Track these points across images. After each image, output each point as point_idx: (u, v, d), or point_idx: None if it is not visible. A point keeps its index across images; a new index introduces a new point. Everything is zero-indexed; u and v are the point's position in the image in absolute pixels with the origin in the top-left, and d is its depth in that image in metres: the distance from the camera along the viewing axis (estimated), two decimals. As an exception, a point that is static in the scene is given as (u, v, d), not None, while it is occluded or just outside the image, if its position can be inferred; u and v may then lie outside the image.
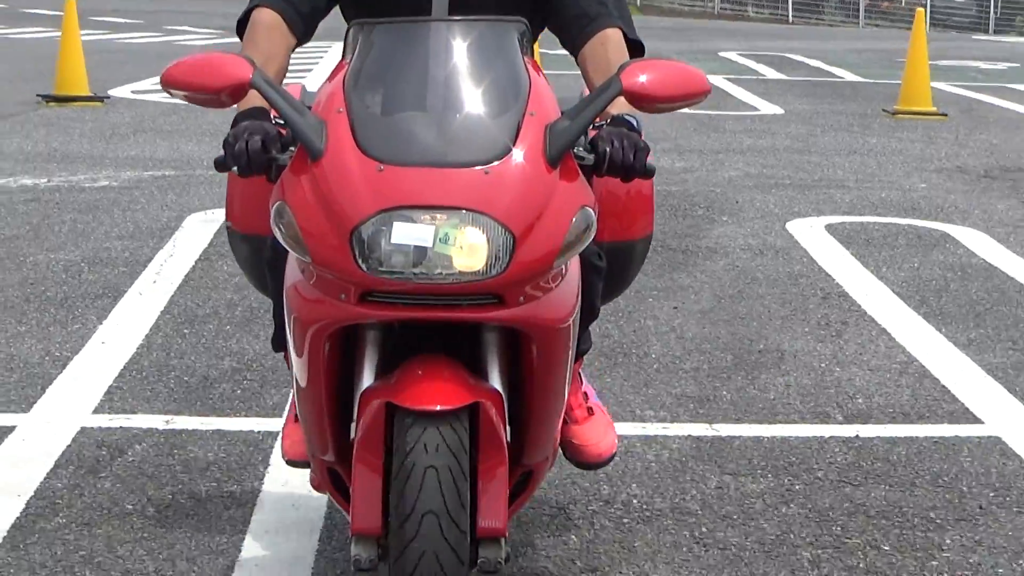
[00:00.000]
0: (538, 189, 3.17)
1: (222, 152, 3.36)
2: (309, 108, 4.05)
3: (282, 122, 3.70)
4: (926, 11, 23.78)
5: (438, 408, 2.95)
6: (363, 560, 2.95)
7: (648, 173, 3.48)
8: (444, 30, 3.55)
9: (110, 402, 7.59)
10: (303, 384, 3.42)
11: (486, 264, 3.05)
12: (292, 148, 3.55)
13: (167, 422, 7.26)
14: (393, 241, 3.03)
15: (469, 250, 3.00)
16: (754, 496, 6.42)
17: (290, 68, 4.29)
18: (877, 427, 7.44)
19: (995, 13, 51.98)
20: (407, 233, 3.01)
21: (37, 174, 14.16)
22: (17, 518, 5.92)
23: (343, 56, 3.69)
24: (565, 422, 4.15)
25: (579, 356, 4.60)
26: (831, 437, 7.28)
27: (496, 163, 3.16)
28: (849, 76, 29.02)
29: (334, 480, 3.48)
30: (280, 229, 3.22)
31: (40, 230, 11.77)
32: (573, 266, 3.76)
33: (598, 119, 3.60)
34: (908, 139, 18.41)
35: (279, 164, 3.33)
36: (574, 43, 3.96)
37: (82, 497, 6.20)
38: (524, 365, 3.29)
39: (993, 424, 7.53)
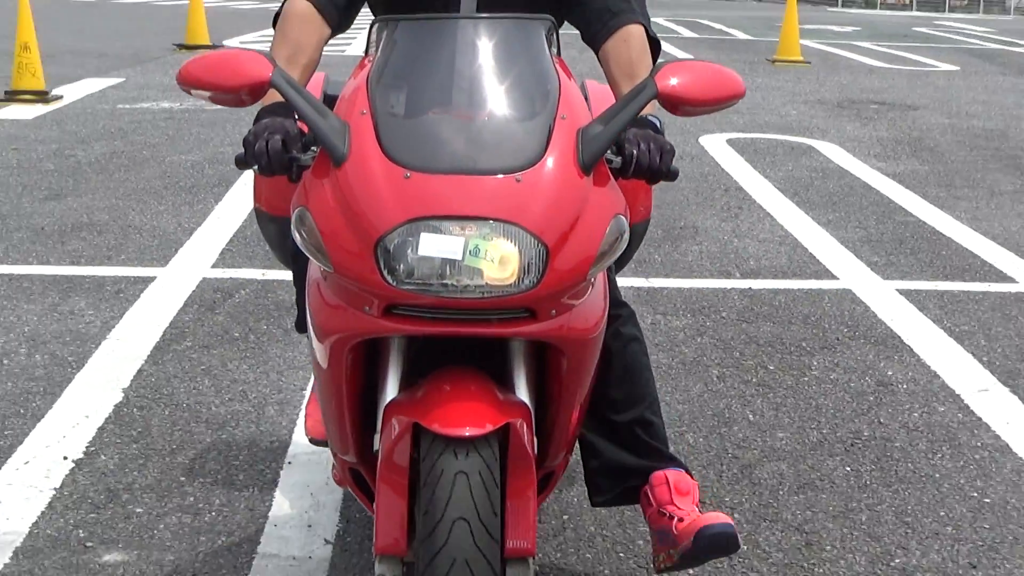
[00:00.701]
0: (571, 198, 2.40)
1: (242, 149, 2.60)
2: (335, 100, 3.24)
3: None
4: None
5: (467, 433, 2.32)
6: None
7: (673, 176, 2.74)
8: (470, 28, 2.70)
9: (223, 260, 7.50)
10: (323, 388, 2.75)
11: (518, 277, 2.32)
12: (315, 148, 2.71)
13: (263, 274, 7.13)
14: (421, 253, 2.31)
15: (500, 263, 2.30)
16: (677, 330, 6.33)
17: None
18: (764, 281, 7.32)
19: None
20: (435, 245, 2.30)
21: (172, 100, 13.85)
22: (157, 342, 5.90)
23: (366, 53, 2.91)
24: (681, 519, 3.25)
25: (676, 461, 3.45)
26: (732, 288, 7.17)
27: (528, 170, 2.39)
28: (741, 35, 28.67)
29: (356, 478, 2.85)
30: (301, 235, 2.49)
31: (175, 139, 11.54)
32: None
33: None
34: (784, 80, 18.16)
35: (300, 164, 2.60)
36: (595, 37, 3.13)
37: (203, 327, 6.15)
38: (551, 375, 2.63)
39: (845, 280, 7.41)
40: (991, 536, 4.29)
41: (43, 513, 4.22)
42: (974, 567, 4.06)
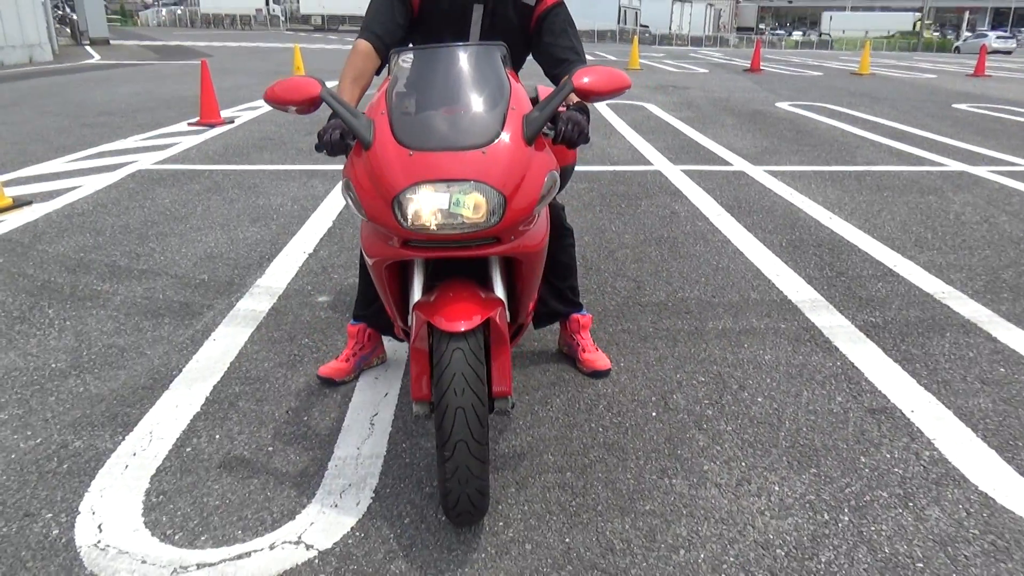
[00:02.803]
0: (520, 161, 1.92)
1: (318, 139, 2.09)
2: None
3: None
4: (638, 37, 22.46)
5: (462, 328, 1.88)
6: (420, 415, 2.00)
7: (585, 143, 2.14)
8: (452, 53, 2.15)
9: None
10: (377, 286, 2.20)
11: (486, 217, 1.88)
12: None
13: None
14: (421, 205, 1.86)
15: (475, 208, 1.86)
16: (583, 190, 5.80)
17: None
18: (620, 166, 6.80)
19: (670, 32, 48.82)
20: (430, 199, 1.85)
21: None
22: (335, 202, 5.38)
23: (388, 73, 2.28)
24: (584, 350, 2.95)
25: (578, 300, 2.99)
26: (607, 170, 6.66)
27: (489, 145, 1.92)
28: (611, 57, 27.41)
29: (405, 333, 2.30)
30: (347, 196, 2.01)
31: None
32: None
33: (565, 104, 2.24)
34: (631, 75, 17.34)
35: (351, 148, 2.07)
36: (554, 73, 2.52)
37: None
38: (517, 274, 2.15)
39: (657, 165, 6.89)
40: (721, 281, 3.93)
41: (292, 279, 3.89)
42: (714, 296, 3.72)
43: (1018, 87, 16.52)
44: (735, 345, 3.21)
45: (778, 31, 56.57)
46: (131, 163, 6.60)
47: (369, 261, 2.10)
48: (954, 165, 7.17)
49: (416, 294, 2.07)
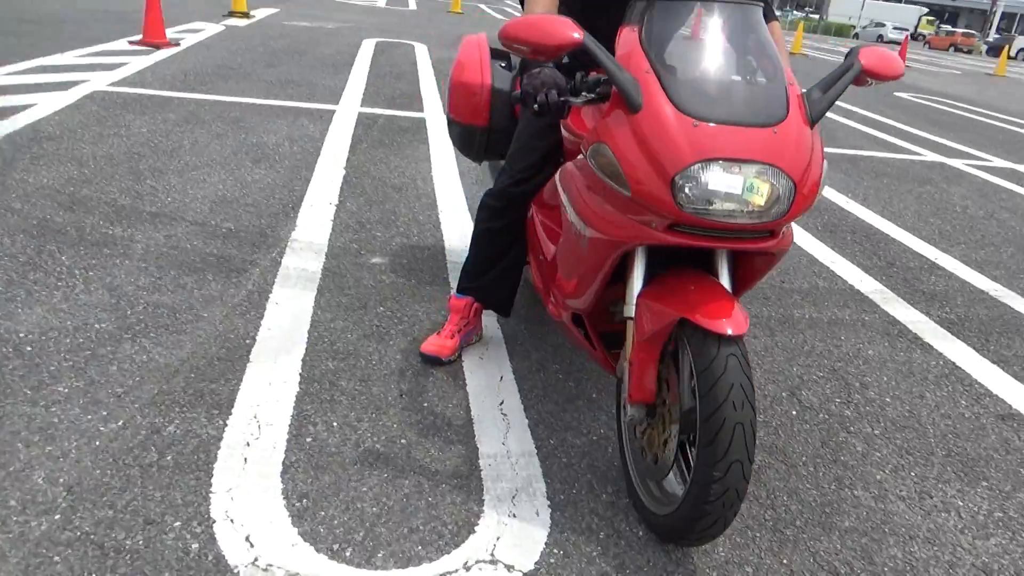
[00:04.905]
0: (807, 145, 1.63)
1: (525, 98, 1.77)
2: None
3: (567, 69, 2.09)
4: None
5: (730, 332, 1.57)
6: (636, 419, 1.77)
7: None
8: (716, 10, 1.76)
9: (365, 102, 6.34)
10: (588, 264, 1.86)
11: (775, 207, 1.58)
12: (585, 94, 1.77)
13: (389, 111, 6.06)
14: (710, 188, 1.55)
15: (765, 195, 1.56)
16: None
17: None
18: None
19: None
20: (722, 181, 1.55)
21: (308, 21, 12.24)
22: (350, 144, 5.00)
23: (624, 23, 1.84)
24: None
25: None
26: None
27: (779, 124, 1.61)
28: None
29: (574, 319, 2.05)
30: (594, 162, 1.69)
31: (315, 41, 10.17)
32: None
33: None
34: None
35: (570, 105, 1.76)
36: None
37: (369, 136, 5.24)
38: (744, 271, 1.84)
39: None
40: (780, 265, 3.80)
41: (331, 234, 3.50)
42: (783, 282, 3.60)
43: (934, 79, 17.30)
44: (831, 337, 3.10)
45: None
46: (82, 82, 5.85)
47: (605, 242, 1.78)
48: (929, 156, 7.35)
49: (637, 283, 1.79)
